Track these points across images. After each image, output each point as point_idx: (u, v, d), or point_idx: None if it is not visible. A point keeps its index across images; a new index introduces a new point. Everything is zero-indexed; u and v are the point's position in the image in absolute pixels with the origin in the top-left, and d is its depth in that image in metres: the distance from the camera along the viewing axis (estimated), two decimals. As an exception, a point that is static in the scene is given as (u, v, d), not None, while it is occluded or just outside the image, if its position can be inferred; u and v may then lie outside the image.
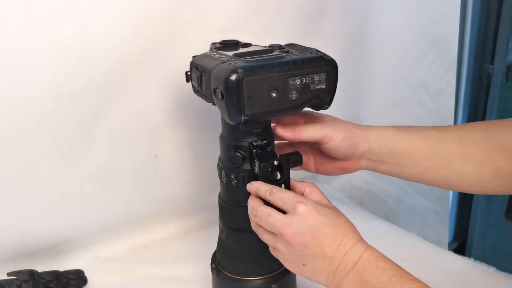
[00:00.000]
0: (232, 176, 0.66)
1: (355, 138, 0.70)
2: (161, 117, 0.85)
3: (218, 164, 0.69)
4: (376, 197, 1.28)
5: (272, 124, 0.69)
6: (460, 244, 1.71)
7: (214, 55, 0.64)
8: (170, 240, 0.97)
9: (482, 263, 0.95)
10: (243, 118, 0.59)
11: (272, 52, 0.64)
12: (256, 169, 0.63)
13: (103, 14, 0.70)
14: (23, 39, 0.65)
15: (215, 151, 0.97)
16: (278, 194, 0.60)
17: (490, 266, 0.93)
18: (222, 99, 0.58)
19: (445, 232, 1.23)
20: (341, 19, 1.04)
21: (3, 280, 0.69)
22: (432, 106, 1.17)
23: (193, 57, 0.68)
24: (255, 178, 0.64)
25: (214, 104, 0.63)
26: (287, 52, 0.65)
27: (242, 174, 0.66)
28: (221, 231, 0.72)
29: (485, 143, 0.69)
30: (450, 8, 1.11)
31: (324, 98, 0.64)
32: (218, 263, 0.73)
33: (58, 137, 0.75)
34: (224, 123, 0.67)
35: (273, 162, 0.62)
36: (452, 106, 1.17)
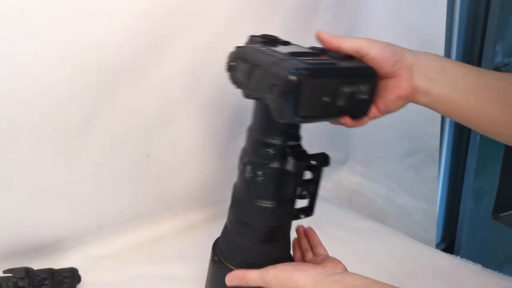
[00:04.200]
0: (259, 172, 0.66)
1: (397, 48, 0.68)
2: (155, 117, 0.86)
3: (242, 158, 0.69)
4: (364, 197, 1.30)
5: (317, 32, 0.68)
6: (449, 245, 1.72)
7: (265, 50, 0.64)
8: (163, 239, 0.98)
9: (469, 260, 0.97)
10: (295, 119, 0.59)
11: (320, 56, 0.64)
12: (290, 167, 0.64)
13: (100, 18, 0.71)
14: (23, 42, 0.66)
15: (209, 150, 0.99)
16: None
17: (477, 263, 0.95)
18: (279, 97, 0.57)
19: (433, 230, 1.25)
20: (332, 20, 1.06)
21: None
22: (419, 107, 1.17)
23: (237, 47, 0.67)
24: (284, 176, 0.66)
25: (257, 99, 0.64)
26: (331, 57, 0.65)
27: (270, 171, 0.66)
28: (230, 223, 0.72)
29: None
30: (437, 10, 1.13)
31: (363, 108, 0.65)
32: (222, 256, 0.73)
33: (55, 137, 0.75)
34: (259, 118, 0.67)
35: (310, 162, 0.64)
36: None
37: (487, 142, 1.41)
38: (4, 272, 0.72)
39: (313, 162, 0.64)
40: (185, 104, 0.88)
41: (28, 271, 0.73)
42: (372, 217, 1.15)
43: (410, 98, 0.69)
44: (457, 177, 1.57)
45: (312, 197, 0.70)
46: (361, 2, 1.10)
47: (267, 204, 0.67)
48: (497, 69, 1.46)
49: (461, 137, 1.51)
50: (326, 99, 0.59)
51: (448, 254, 1.00)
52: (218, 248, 0.74)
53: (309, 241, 0.77)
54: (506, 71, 1.48)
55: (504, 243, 1.73)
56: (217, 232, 0.76)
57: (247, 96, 0.66)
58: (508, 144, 0.70)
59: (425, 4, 1.13)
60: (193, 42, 0.80)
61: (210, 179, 1.01)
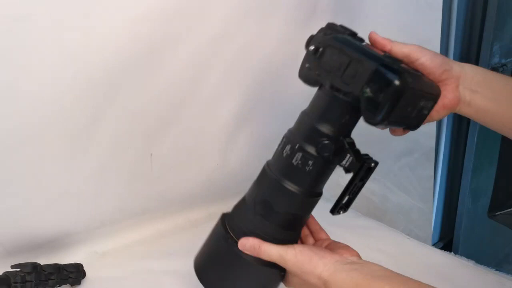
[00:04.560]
0: (310, 162, 0.64)
1: (445, 57, 0.68)
2: (158, 117, 0.88)
3: (294, 146, 0.65)
4: (362, 196, 1.28)
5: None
6: (446, 244, 1.74)
7: (361, 45, 0.63)
8: (165, 236, 1.00)
9: (462, 257, 1.00)
10: (383, 123, 0.59)
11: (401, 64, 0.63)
12: (346, 164, 0.63)
13: (102, 22, 0.72)
14: (29, 46, 0.67)
15: (211, 150, 1.00)
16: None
17: (470, 260, 0.98)
18: (376, 98, 0.57)
19: (429, 229, 1.27)
20: (331, 20, 1.07)
21: (8, 272, 0.72)
22: None
23: (334, 37, 0.64)
24: (331, 169, 0.66)
25: (336, 89, 0.62)
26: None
27: (321, 163, 0.64)
28: (253, 202, 0.68)
29: None
30: (432, 12, 1.14)
31: (420, 121, 0.66)
32: (233, 231, 0.69)
33: (60, 138, 0.77)
34: (324, 109, 0.64)
35: (372, 164, 0.63)
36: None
37: (484, 142, 1.43)
38: (12, 267, 0.74)
39: (372, 164, 0.63)
40: (188, 105, 0.90)
41: (35, 266, 0.75)
42: (369, 215, 1.17)
43: (454, 108, 0.69)
44: (455, 177, 1.59)
45: (354, 196, 0.69)
46: (358, 3, 1.11)
47: (300, 191, 0.65)
48: (494, 69, 1.48)
49: (459, 138, 1.53)
50: (409, 109, 0.61)
51: (442, 250, 1.02)
52: (228, 224, 0.70)
53: (308, 227, 0.76)
54: (503, 71, 1.49)
55: (502, 242, 1.75)
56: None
57: (314, 82, 0.65)
58: None
59: (421, 5, 1.15)
60: (194, 44, 0.81)
61: (211, 178, 1.03)
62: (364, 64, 0.58)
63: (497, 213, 1.60)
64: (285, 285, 0.71)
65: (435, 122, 1.17)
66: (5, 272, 0.72)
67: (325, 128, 0.64)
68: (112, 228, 0.95)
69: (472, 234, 1.67)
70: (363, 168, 0.63)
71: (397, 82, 0.56)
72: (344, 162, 0.64)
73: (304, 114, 0.67)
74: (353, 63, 0.60)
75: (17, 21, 0.65)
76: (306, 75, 0.68)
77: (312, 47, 0.65)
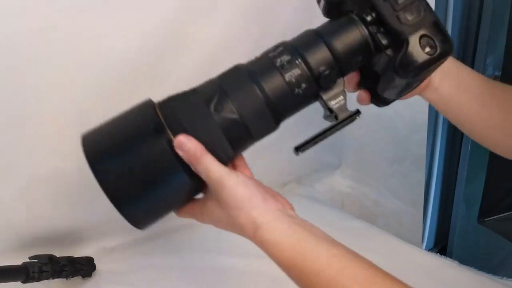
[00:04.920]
0: (304, 85, 0.56)
1: None
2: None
3: (293, 60, 0.56)
4: (356, 200, 1.35)
5: None
6: (441, 250, 1.77)
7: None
8: (171, 232, 1.02)
9: (448, 258, 1.05)
10: (417, 75, 0.56)
11: None
12: (335, 105, 0.57)
13: (112, 35, 0.76)
14: (43, 56, 0.72)
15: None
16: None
17: (454, 260, 1.02)
18: (422, 48, 0.54)
19: (419, 233, 1.32)
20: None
21: (26, 263, 0.76)
22: (405, 114, 1.21)
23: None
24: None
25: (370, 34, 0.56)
26: None
27: (314, 92, 0.57)
28: (210, 97, 0.56)
29: None
30: None
31: (397, 97, 0.64)
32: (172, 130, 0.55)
33: (72, 141, 0.81)
34: (345, 37, 0.57)
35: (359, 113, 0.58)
36: (425, 115, 1.20)
37: (477, 150, 1.47)
38: (30, 258, 0.78)
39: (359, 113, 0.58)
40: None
41: (51, 257, 0.79)
42: (362, 219, 1.20)
43: (422, 90, 0.68)
44: (449, 184, 1.63)
45: (322, 139, 0.59)
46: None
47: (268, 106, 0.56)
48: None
49: (453, 146, 1.57)
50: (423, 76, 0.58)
51: (432, 253, 1.07)
52: (162, 112, 0.56)
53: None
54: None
55: (495, 248, 1.78)
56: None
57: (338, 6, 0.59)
58: (499, 153, 0.73)
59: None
60: (197, 55, 0.85)
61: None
62: (428, 11, 0.55)
63: (486, 219, 1.63)
64: (196, 216, 0.62)
65: (425, 129, 1.21)
66: (23, 262, 0.76)
67: (337, 54, 0.57)
68: (121, 224, 0.98)
69: (466, 239, 1.69)
70: (353, 115, 0.58)
71: (452, 42, 0.54)
72: (333, 103, 0.57)
73: (312, 32, 0.59)
74: (428, 12, 0.55)
75: (34, 32, 0.69)
76: None
77: None
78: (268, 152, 0.71)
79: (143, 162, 0.55)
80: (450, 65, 0.67)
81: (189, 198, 0.61)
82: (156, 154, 0.55)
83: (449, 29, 1.47)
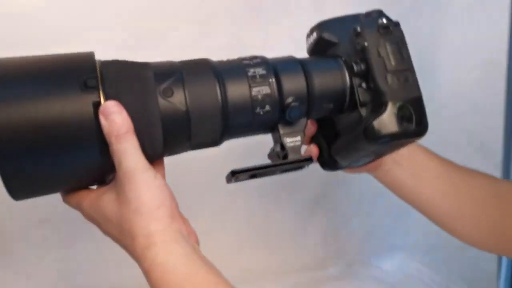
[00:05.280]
0: (268, 107, 0.51)
1: None
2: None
3: (267, 77, 0.51)
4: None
5: None
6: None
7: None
8: None
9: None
10: (376, 143, 0.52)
11: None
12: (292, 144, 0.53)
13: (98, 30, 0.77)
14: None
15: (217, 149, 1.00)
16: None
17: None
18: (400, 118, 0.50)
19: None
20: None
21: None
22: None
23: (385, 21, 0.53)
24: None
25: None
26: None
27: (274, 120, 0.52)
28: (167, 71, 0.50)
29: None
30: (498, 27, 1.02)
31: (346, 167, 0.63)
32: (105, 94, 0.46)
33: None
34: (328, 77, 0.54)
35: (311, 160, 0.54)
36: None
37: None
38: None
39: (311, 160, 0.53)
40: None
41: None
42: None
43: (373, 169, 0.66)
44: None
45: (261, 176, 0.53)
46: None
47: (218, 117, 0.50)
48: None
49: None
50: (387, 150, 0.57)
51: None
52: (102, 71, 0.47)
53: None
54: None
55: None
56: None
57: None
58: (456, 237, 0.70)
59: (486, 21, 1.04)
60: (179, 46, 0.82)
61: (222, 171, 1.03)
62: (416, 86, 0.52)
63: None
64: (83, 208, 0.50)
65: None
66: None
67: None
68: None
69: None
70: (304, 161, 0.53)
71: (427, 125, 0.51)
72: (289, 140, 0.53)
73: (296, 59, 0.55)
74: (406, 73, 0.51)
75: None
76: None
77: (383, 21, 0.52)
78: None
79: (54, 113, 0.44)
80: (403, 150, 0.59)
81: (87, 182, 0.50)
82: (74, 111, 0.44)
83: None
